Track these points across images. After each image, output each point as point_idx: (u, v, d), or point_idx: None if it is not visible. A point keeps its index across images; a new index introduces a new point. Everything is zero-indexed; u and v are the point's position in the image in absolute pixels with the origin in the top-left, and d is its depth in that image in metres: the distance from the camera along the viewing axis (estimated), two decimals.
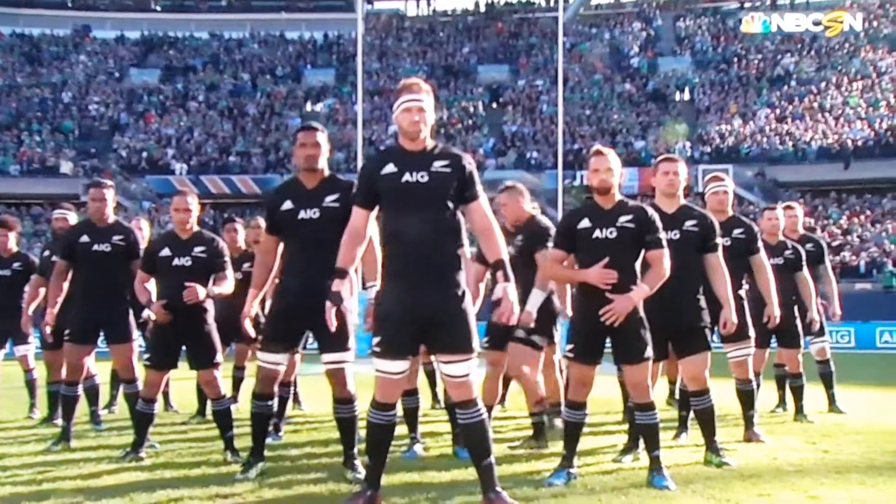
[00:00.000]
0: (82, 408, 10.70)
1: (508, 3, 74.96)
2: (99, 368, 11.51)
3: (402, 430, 9.42)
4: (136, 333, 10.13)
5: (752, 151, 51.91)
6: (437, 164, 6.63)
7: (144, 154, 55.73)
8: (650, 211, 7.76)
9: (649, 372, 7.70)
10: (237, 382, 12.60)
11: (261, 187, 49.44)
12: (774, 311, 10.13)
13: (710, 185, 10.21)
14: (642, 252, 7.64)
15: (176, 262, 9.05)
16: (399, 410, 9.67)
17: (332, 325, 6.82)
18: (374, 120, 55.88)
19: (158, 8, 75.64)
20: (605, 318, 7.43)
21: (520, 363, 9.57)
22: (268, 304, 8.95)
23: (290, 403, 11.52)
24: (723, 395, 9.64)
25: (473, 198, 6.67)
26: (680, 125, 54.56)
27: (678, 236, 8.41)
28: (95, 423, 11.57)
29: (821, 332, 12.78)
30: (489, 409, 9.51)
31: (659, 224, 7.69)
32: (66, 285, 10.08)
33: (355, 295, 7.14)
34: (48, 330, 10.24)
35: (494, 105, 60.43)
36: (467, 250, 7.95)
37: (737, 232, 9.89)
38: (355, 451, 7.99)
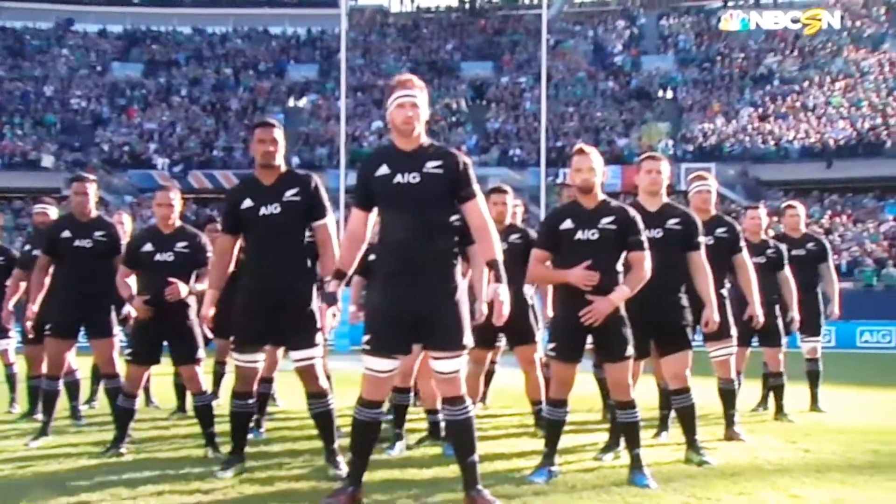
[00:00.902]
0: (62, 403, 10.67)
1: (492, 0, 74.91)
2: (80, 363, 11.48)
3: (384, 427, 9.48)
4: (117, 328, 10.11)
5: (734, 150, 51.96)
6: (430, 165, 6.61)
7: (127, 148, 55.52)
8: (632, 212, 7.77)
9: (630, 370, 7.71)
10: (218, 378, 12.54)
11: None
12: (757, 310, 10.16)
13: (693, 184, 10.22)
14: (624, 253, 7.65)
15: (158, 257, 9.04)
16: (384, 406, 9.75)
17: (329, 325, 6.83)
18: (357, 116, 55.79)
19: (141, 2, 75.38)
20: (585, 320, 7.44)
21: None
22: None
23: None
24: (703, 394, 9.66)
25: (469, 197, 6.65)
26: (661, 125, 54.62)
27: (661, 234, 8.43)
28: (76, 419, 11.55)
29: (815, 332, 12.82)
30: None
31: (641, 225, 7.71)
32: (47, 280, 10.05)
33: (341, 290, 7.12)
34: (29, 324, 10.22)
35: (478, 102, 60.38)
36: None
37: (719, 231, 9.91)
38: (336, 446, 7.99)
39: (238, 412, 8.08)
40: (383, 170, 6.65)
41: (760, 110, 55.24)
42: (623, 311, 7.59)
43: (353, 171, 7.91)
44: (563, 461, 8.24)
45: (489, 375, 13.10)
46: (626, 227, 7.63)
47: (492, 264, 6.57)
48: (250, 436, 8.69)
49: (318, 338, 7.85)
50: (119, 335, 10.22)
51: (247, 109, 59.40)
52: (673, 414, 9.28)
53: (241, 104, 60.29)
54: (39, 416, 10.87)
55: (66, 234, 9.86)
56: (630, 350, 7.61)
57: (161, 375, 12.58)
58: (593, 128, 55.00)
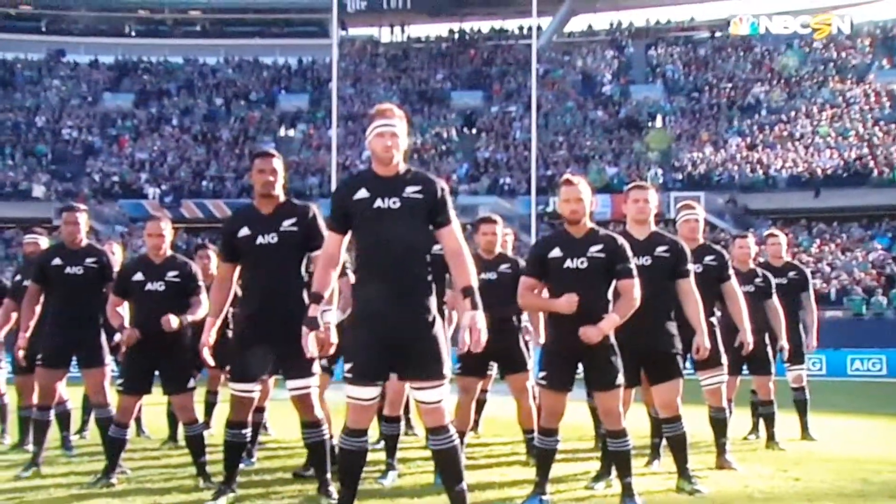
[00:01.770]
0: (53, 433, 10.65)
1: (482, 30, 75.11)
2: (70, 394, 11.46)
3: (377, 455, 9.47)
4: (108, 358, 10.10)
5: (723, 179, 52.09)
6: (410, 190, 6.64)
7: (118, 178, 55.55)
8: (620, 240, 7.80)
9: (621, 399, 7.73)
10: (210, 407, 12.54)
11: None
12: (747, 337, 10.18)
13: (682, 213, 10.25)
14: (614, 281, 7.68)
15: (149, 286, 9.04)
16: (375, 436, 9.75)
17: (308, 350, 6.82)
18: (348, 145, 55.86)
19: (133, 33, 75.48)
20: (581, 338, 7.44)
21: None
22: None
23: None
24: (695, 422, 9.68)
25: (445, 223, 6.68)
26: (665, 132, 54.94)
27: (649, 262, 8.46)
28: (67, 449, 11.52)
29: (799, 360, 12.83)
30: (462, 435, 9.53)
31: (629, 253, 7.73)
32: (38, 309, 10.05)
33: (334, 317, 7.13)
34: (21, 354, 10.20)
35: (468, 131, 60.50)
36: None
37: (708, 259, 9.93)
38: (328, 476, 7.98)
39: (232, 441, 8.06)
40: (362, 193, 6.67)
41: (748, 139, 55.41)
42: (613, 340, 7.61)
43: (331, 199, 7.81)
44: (554, 490, 8.24)
45: (481, 404, 13.09)
46: (615, 255, 7.66)
47: (467, 291, 6.56)
48: (241, 465, 8.68)
49: (315, 367, 7.85)
50: (111, 364, 10.21)
51: (238, 139, 59.49)
52: (664, 442, 9.29)
53: (232, 134, 60.35)
54: (30, 447, 10.85)
55: (57, 261, 9.86)
56: (620, 378, 7.62)
57: (152, 405, 12.58)
58: (583, 157, 55.11)
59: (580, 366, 7.70)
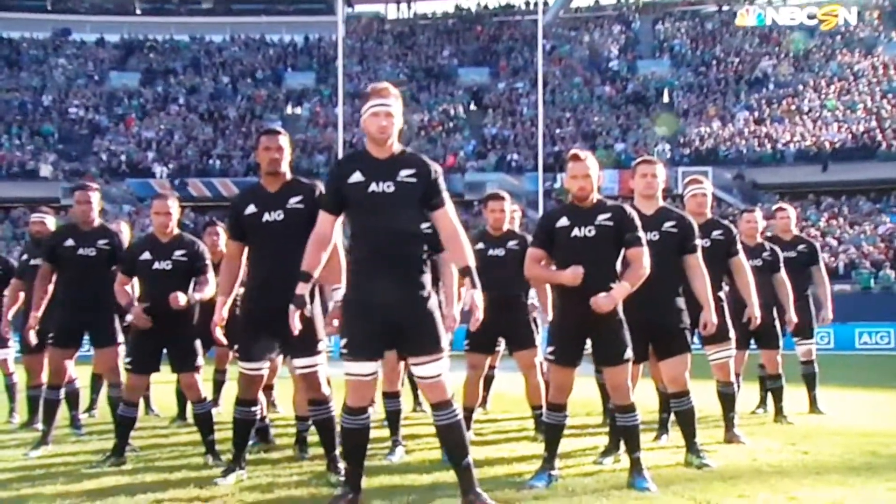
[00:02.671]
0: (62, 412, 10.66)
1: (488, 6, 74.93)
2: (79, 372, 11.48)
3: (384, 432, 9.49)
4: (121, 337, 10.10)
5: (730, 154, 52.02)
6: (404, 174, 6.65)
7: (125, 157, 55.54)
8: (628, 209, 7.78)
9: (629, 374, 7.72)
10: (218, 386, 12.55)
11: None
12: (755, 311, 10.16)
13: (689, 188, 10.24)
14: (622, 251, 7.66)
15: (156, 265, 9.04)
16: (382, 413, 9.77)
17: (296, 328, 6.83)
18: (354, 122, 55.55)
19: (138, 11, 75.33)
20: (593, 308, 7.42)
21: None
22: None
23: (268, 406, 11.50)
24: (703, 397, 9.67)
25: (440, 205, 6.70)
26: (673, 116, 54.89)
27: (657, 238, 8.43)
28: (76, 428, 11.54)
29: (808, 334, 12.81)
30: (470, 411, 9.56)
31: (638, 222, 7.70)
32: (50, 288, 10.06)
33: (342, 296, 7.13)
34: (32, 333, 10.21)
35: (475, 108, 60.41)
36: None
37: (716, 234, 9.92)
38: (337, 453, 7.97)
39: (241, 419, 8.07)
40: (357, 177, 6.67)
41: (756, 114, 55.31)
42: (621, 314, 7.59)
43: (325, 180, 7.85)
44: (563, 465, 8.24)
45: (489, 380, 13.12)
46: (623, 223, 7.63)
47: (465, 271, 6.61)
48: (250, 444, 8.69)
49: (321, 345, 7.85)
50: (123, 343, 10.22)
51: (244, 117, 59.45)
52: (672, 417, 9.29)
53: (238, 112, 60.31)
54: (39, 426, 10.88)
55: (70, 242, 9.86)
56: (628, 353, 7.61)
57: (161, 383, 12.60)
58: (590, 133, 55.05)
59: (588, 341, 7.69)
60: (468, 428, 8.10)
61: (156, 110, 61.05)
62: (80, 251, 9.81)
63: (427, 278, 6.71)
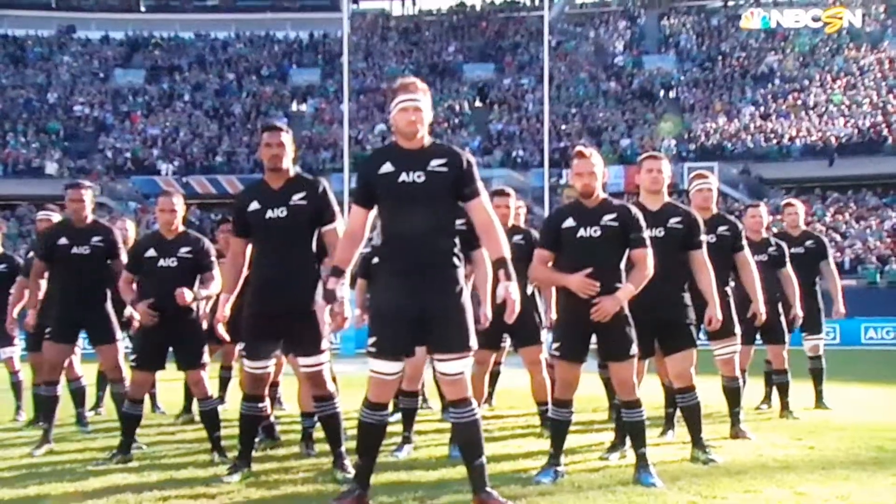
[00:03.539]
0: (68, 409, 10.66)
1: (493, 2, 74.93)
2: (85, 370, 11.49)
3: (391, 428, 9.48)
4: (120, 333, 10.10)
5: (736, 149, 52.03)
6: (435, 163, 6.59)
7: (130, 154, 55.63)
8: (634, 210, 7.76)
9: (634, 369, 7.71)
10: (224, 383, 12.55)
11: None
12: (760, 307, 10.15)
13: (695, 183, 10.22)
14: (627, 251, 7.66)
15: (161, 262, 9.04)
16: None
17: (323, 323, 6.83)
18: (359, 119, 55.85)
19: (143, 8, 75.42)
20: (593, 318, 7.44)
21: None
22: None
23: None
24: (709, 392, 9.67)
25: (473, 195, 6.63)
26: (676, 118, 54.86)
27: (663, 234, 8.43)
28: (82, 426, 11.53)
29: (816, 329, 12.80)
30: None
31: (643, 223, 7.70)
32: (43, 284, 10.07)
33: (347, 292, 7.11)
34: (30, 329, 10.23)
35: (480, 104, 60.45)
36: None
37: (721, 229, 9.90)
38: (343, 449, 7.98)
39: (248, 415, 8.07)
40: (387, 167, 6.63)
41: (762, 109, 55.33)
42: (626, 310, 7.59)
43: (356, 174, 7.87)
44: (569, 461, 8.24)
45: (494, 376, 13.12)
46: (628, 224, 7.63)
47: (500, 262, 6.55)
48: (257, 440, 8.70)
49: (325, 343, 7.84)
50: (124, 340, 10.22)
51: (250, 114, 59.52)
52: (678, 412, 9.29)
53: (244, 109, 60.40)
54: (43, 424, 10.88)
55: (63, 241, 9.83)
56: (634, 349, 7.60)
57: (166, 381, 12.61)
58: (596, 128, 55.05)
59: (594, 337, 7.69)
60: None
61: (161, 107, 61.14)
62: (75, 249, 9.79)
63: (460, 273, 6.65)
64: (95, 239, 9.86)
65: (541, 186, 43.35)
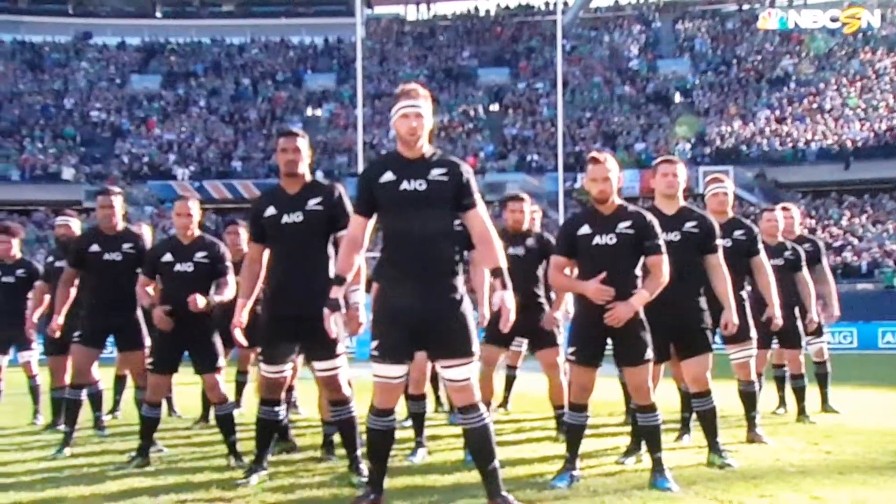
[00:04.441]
0: (85, 413, 10.70)
1: (508, 6, 74.95)
2: (102, 374, 11.52)
3: (405, 433, 9.49)
4: (147, 340, 10.09)
5: (752, 153, 51.94)
6: (435, 173, 6.61)
7: (146, 160, 55.78)
8: (649, 216, 7.75)
9: (650, 374, 7.71)
10: (240, 387, 12.58)
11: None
12: (775, 312, 10.13)
13: (710, 187, 10.22)
14: (642, 258, 7.66)
15: (178, 267, 9.08)
16: (403, 414, 9.77)
17: (332, 332, 6.84)
18: (375, 124, 55.89)
19: (159, 14, 75.69)
20: (607, 322, 7.45)
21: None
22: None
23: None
24: (725, 397, 9.66)
25: (471, 206, 6.66)
26: (691, 122, 54.82)
27: (678, 238, 8.42)
28: (99, 430, 11.59)
29: (819, 333, 12.76)
30: (486, 406, 9.55)
31: (658, 230, 7.69)
32: (73, 291, 10.10)
33: (362, 297, 7.13)
34: (55, 335, 10.26)
35: (495, 108, 60.47)
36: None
37: (737, 233, 9.89)
38: (359, 453, 7.98)
39: (264, 419, 8.09)
40: (388, 176, 6.65)
41: (777, 112, 55.22)
42: (642, 315, 7.59)
43: (357, 182, 7.88)
44: (584, 465, 8.24)
45: (510, 380, 13.16)
46: (644, 231, 7.63)
47: (496, 272, 6.56)
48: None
49: (341, 347, 7.85)
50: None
51: (265, 119, 59.65)
52: (694, 417, 9.28)
53: (259, 114, 60.53)
54: (62, 428, 10.90)
55: (95, 248, 9.85)
56: (649, 353, 7.60)
57: (183, 385, 12.64)
58: (610, 132, 55.01)
59: (609, 341, 7.69)
60: None
61: (177, 113, 61.30)
62: (106, 256, 9.81)
63: (460, 280, 6.67)
64: (127, 246, 9.88)
65: (555, 191, 43.30)
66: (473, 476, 7.01)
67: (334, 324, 6.89)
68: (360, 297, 7.02)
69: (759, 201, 45.77)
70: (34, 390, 13.22)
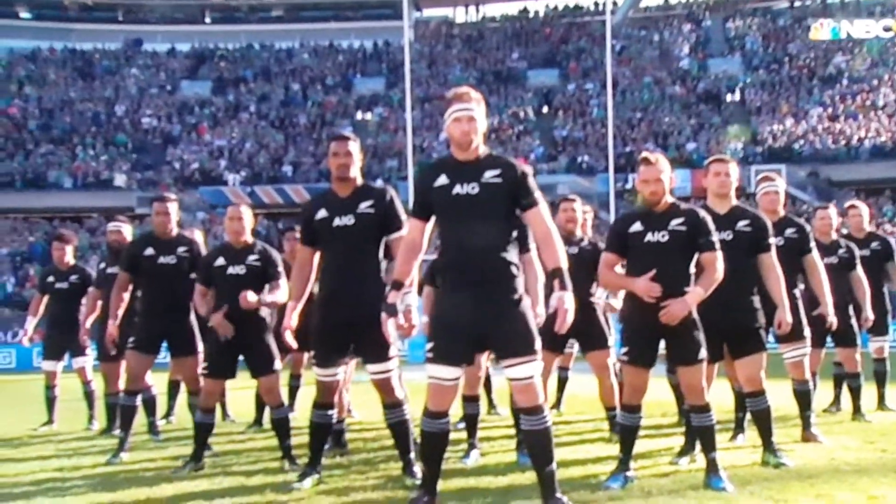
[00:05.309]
0: (140, 419, 10.78)
1: (557, 7, 74.82)
2: (155, 379, 11.60)
3: (458, 435, 9.49)
4: (201, 346, 10.15)
5: (804, 151, 51.52)
6: (489, 175, 6.60)
7: (197, 166, 56.09)
8: (702, 213, 7.71)
9: (704, 374, 7.67)
10: (293, 391, 12.62)
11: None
12: (828, 310, 10.07)
13: (761, 186, 10.17)
14: (695, 255, 7.61)
15: (230, 270, 9.14)
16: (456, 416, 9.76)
17: (389, 336, 6.86)
18: (424, 127, 55.91)
19: (209, 20, 76.20)
20: (662, 320, 7.41)
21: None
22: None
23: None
24: (779, 396, 9.60)
25: (531, 205, 6.63)
26: (743, 121, 54.57)
27: (731, 237, 8.38)
28: (154, 434, 11.66)
29: (882, 331, 12.65)
30: None
31: (711, 226, 7.65)
32: (126, 296, 10.18)
33: (414, 300, 7.14)
34: (111, 340, 10.33)
35: (545, 110, 60.30)
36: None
37: (789, 232, 9.83)
38: (412, 456, 7.99)
39: (318, 423, 8.11)
40: (442, 180, 6.66)
41: (830, 110, 54.73)
42: (695, 314, 7.55)
43: (414, 186, 7.97)
44: (638, 466, 8.21)
45: (562, 382, 13.13)
46: (697, 228, 7.59)
47: (556, 272, 6.52)
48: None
49: (393, 350, 7.86)
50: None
51: (315, 124, 59.80)
52: (749, 416, 9.22)
53: (309, 119, 60.69)
54: (117, 433, 10.99)
55: (150, 251, 9.95)
56: (703, 353, 7.56)
57: (237, 390, 12.71)
58: (661, 133, 54.74)
59: (662, 341, 7.66)
60: None
61: (227, 118, 61.56)
62: (161, 260, 9.91)
63: (519, 282, 6.64)
64: (181, 249, 9.99)
65: (607, 192, 43.20)
66: (527, 478, 7.01)
67: (392, 327, 6.91)
68: (413, 300, 7.02)
69: (812, 200, 45.39)
70: (89, 396, 13.35)
